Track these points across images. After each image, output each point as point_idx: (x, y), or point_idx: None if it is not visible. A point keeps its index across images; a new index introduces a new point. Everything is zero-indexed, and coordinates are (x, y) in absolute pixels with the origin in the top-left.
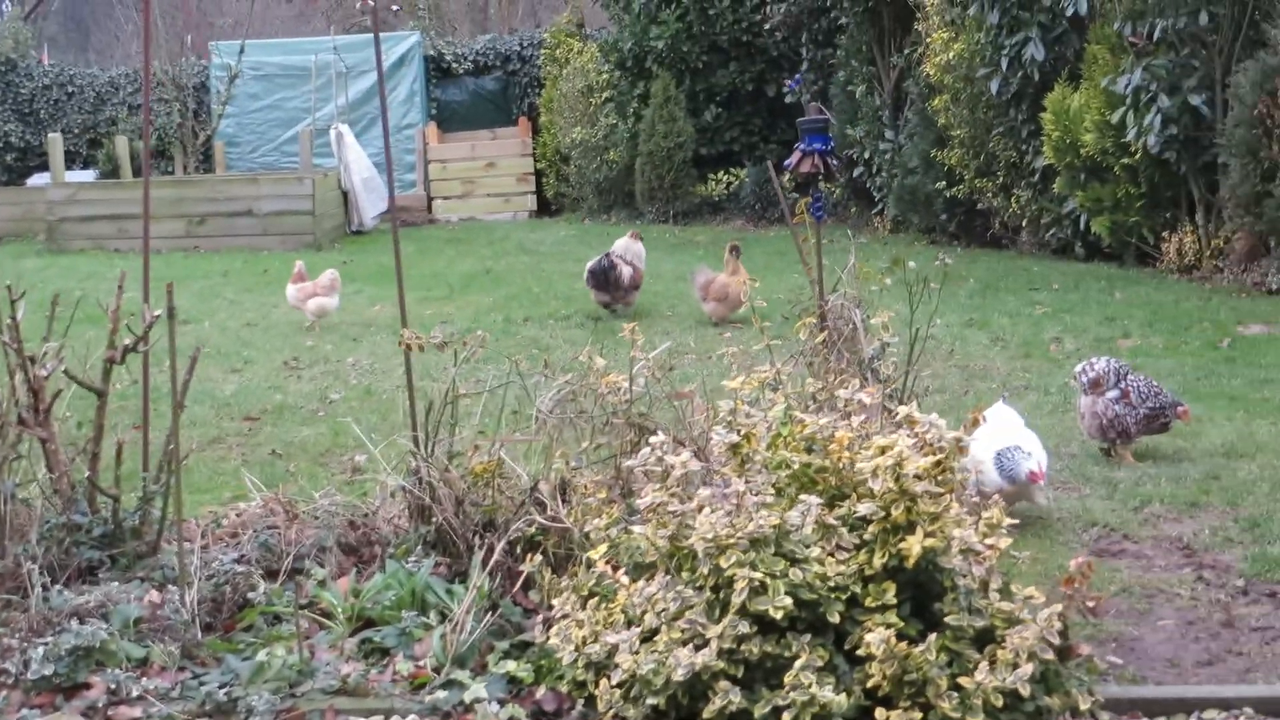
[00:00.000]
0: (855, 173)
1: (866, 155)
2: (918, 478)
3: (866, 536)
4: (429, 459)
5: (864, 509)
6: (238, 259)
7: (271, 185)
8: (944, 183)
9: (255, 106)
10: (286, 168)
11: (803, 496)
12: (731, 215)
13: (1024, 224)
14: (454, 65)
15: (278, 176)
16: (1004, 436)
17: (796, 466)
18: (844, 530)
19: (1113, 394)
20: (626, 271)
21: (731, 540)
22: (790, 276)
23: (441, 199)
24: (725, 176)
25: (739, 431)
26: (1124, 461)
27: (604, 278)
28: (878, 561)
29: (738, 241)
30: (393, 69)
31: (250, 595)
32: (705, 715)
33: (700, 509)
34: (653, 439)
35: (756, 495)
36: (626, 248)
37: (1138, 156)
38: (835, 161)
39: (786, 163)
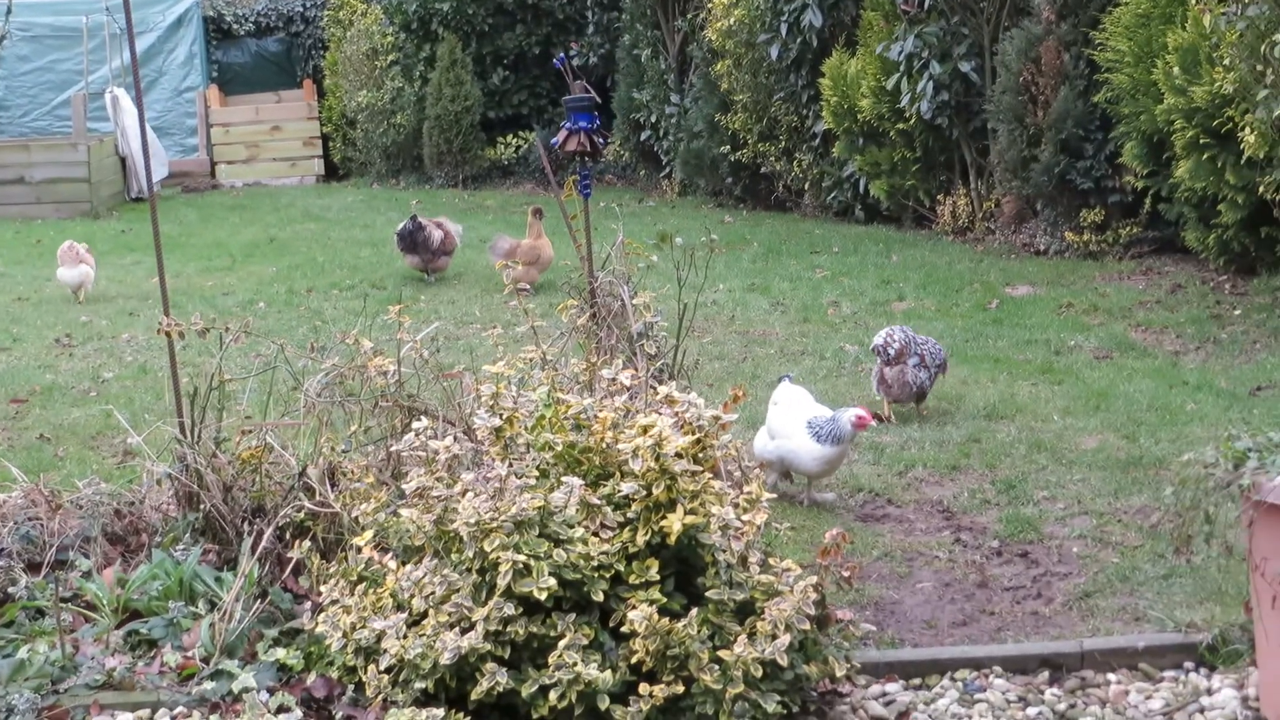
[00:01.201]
0: (643, 136)
1: (653, 119)
2: (678, 456)
3: (630, 515)
4: (196, 445)
5: (626, 488)
6: (8, 230)
7: (44, 151)
8: (729, 147)
9: (25, 69)
10: (60, 133)
11: (566, 478)
12: (521, 179)
13: (806, 187)
14: (235, 26)
15: (50, 142)
16: (806, 409)
17: (560, 448)
18: (608, 509)
19: (913, 360)
20: (436, 235)
21: (495, 524)
22: (570, 249)
23: (225, 163)
24: (514, 140)
25: (501, 415)
26: (890, 421)
27: (411, 240)
28: (641, 539)
29: (540, 206)
30: (170, 30)
31: (10, 590)
32: (473, 697)
33: (464, 493)
34: (416, 423)
35: (520, 478)
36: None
37: (912, 122)
38: (602, 140)
39: (554, 140)
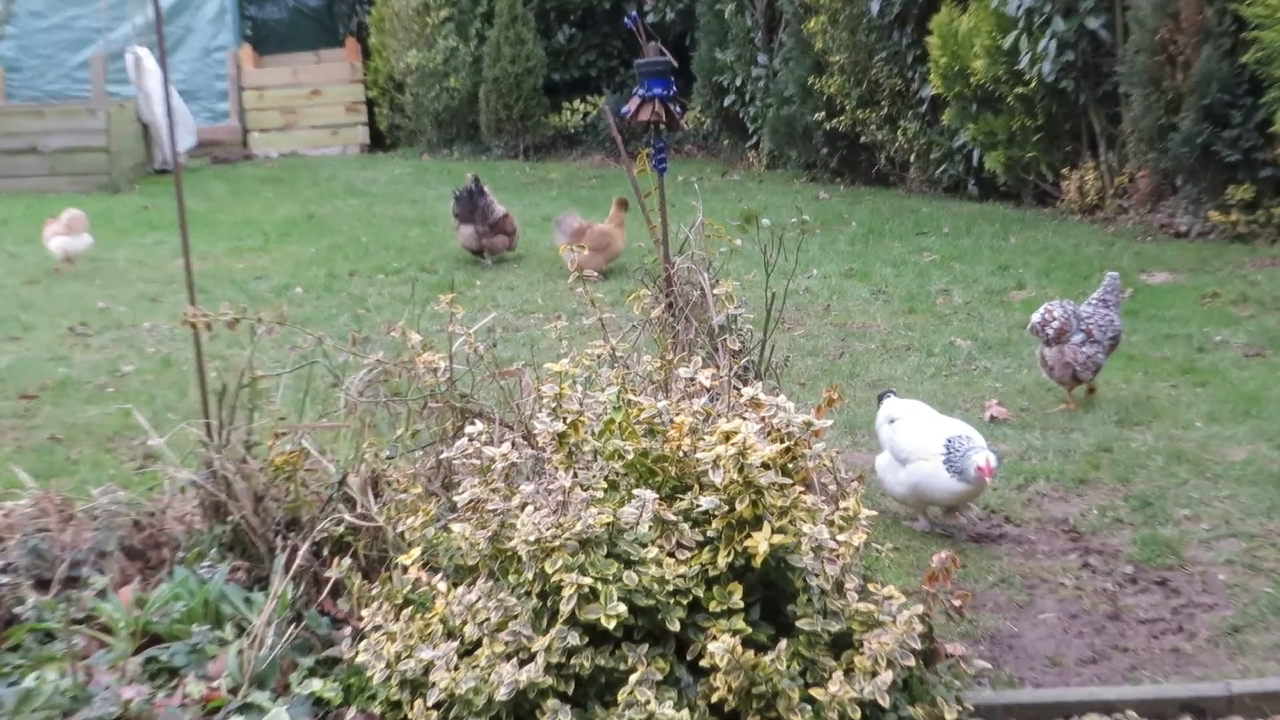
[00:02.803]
0: (726, 101)
1: (738, 82)
2: (765, 467)
3: (710, 533)
4: (224, 449)
5: (706, 502)
6: (19, 204)
7: (59, 118)
8: (823, 113)
9: (39, 26)
10: (77, 97)
11: (638, 491)
12: (589, 149)
13: (912, 159)
14: None
15: (66, 108)
16: (939, 427)
17: (631, 456)
18: (685, 527)
19: (1077, 338)
20: (499, 207)
21: (558, 542)
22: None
23: (259, 131)
24: (581, 106)
25: (565, 419)
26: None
27: (470, 204)
28: (722, 561)
29: (625, 198)
30: None
31: (17, 610)
32: None
33: (523, 507)
34: (470, 427)
35: (586, 490)
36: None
37: (1032, 85)
38: (679, 109)
39: (624, 109)
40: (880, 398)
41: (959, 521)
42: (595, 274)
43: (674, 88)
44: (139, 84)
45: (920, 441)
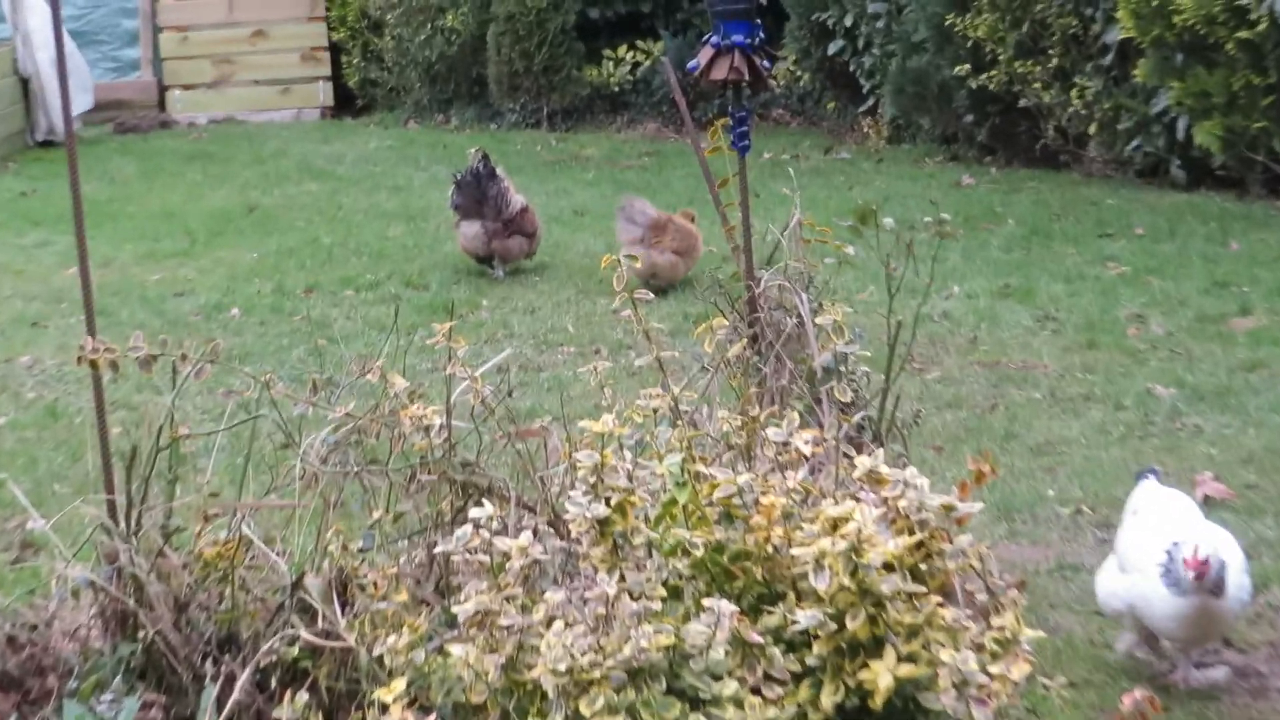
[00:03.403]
0: (831, 49)
1: (848, 22)
2: (887, 568)
3: (810, 661)
4: (134, 537)
5: (805, 618)
6: None
7: None
8: (967, 66)
9: None
10: None
11: (710, 600)
12: (639, 115)
13: (1092, 131)
14: None
15: None
16: (1172, 526)
17: (701, 552)
18: (776, 651)
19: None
20: (516, 197)
21: (597, 672)
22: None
23: (181, 89)
24: (629, 55)
25: (608, 499)
26: None
27: (477, 190)
28: (827, 700)
29: (693, 211)
30: None
31: None
32: None
33: (549, 622)
34: (475, 509)
35: (638, 599)
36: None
37: (1262, 28)
38: (768, 62)
39: (691, 64)
40: (1137, 478)
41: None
42: (650, 295)
43: (760, 33)
44: (15, 23)
45: (1139, 544)
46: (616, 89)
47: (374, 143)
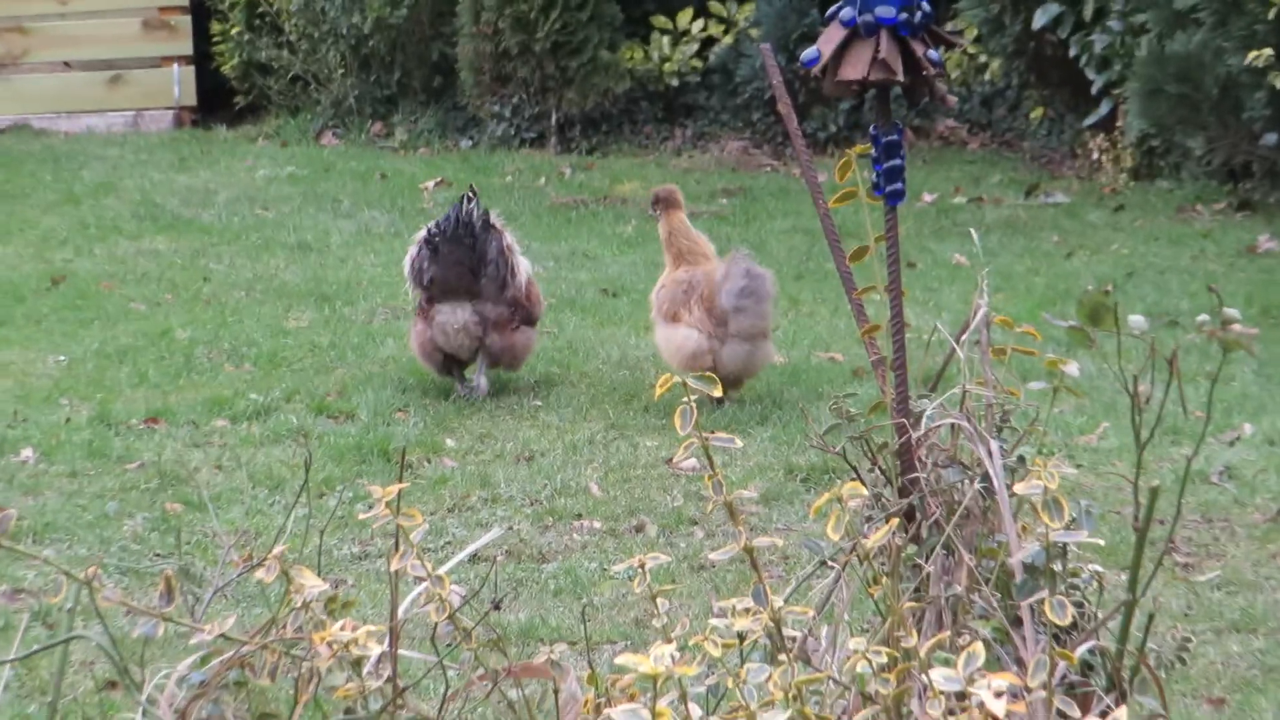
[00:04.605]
0: (1039, 19)
1: None
2: None
3: None
4: None
5: None
6: None
7: None
8: (1270, 52)
9: None
10: None
11: None
12: (713, 126)
13: None
14: None
15: None
16: None
17: None
18: None
19: None
20: (521, 260)
21: None
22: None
23: None
24: (699, 27)
25: None
26: None
27: (466, 250)
28: None
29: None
30: None
31: None
32: None
33: None
34: None
35: None
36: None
37: None
38: (936, 52)
39: (808, 55)
40: None
41: None
42: (721, 394)
43: (926, 5)
44: None
45: None
46: (675, 84)
47: (265, 169)
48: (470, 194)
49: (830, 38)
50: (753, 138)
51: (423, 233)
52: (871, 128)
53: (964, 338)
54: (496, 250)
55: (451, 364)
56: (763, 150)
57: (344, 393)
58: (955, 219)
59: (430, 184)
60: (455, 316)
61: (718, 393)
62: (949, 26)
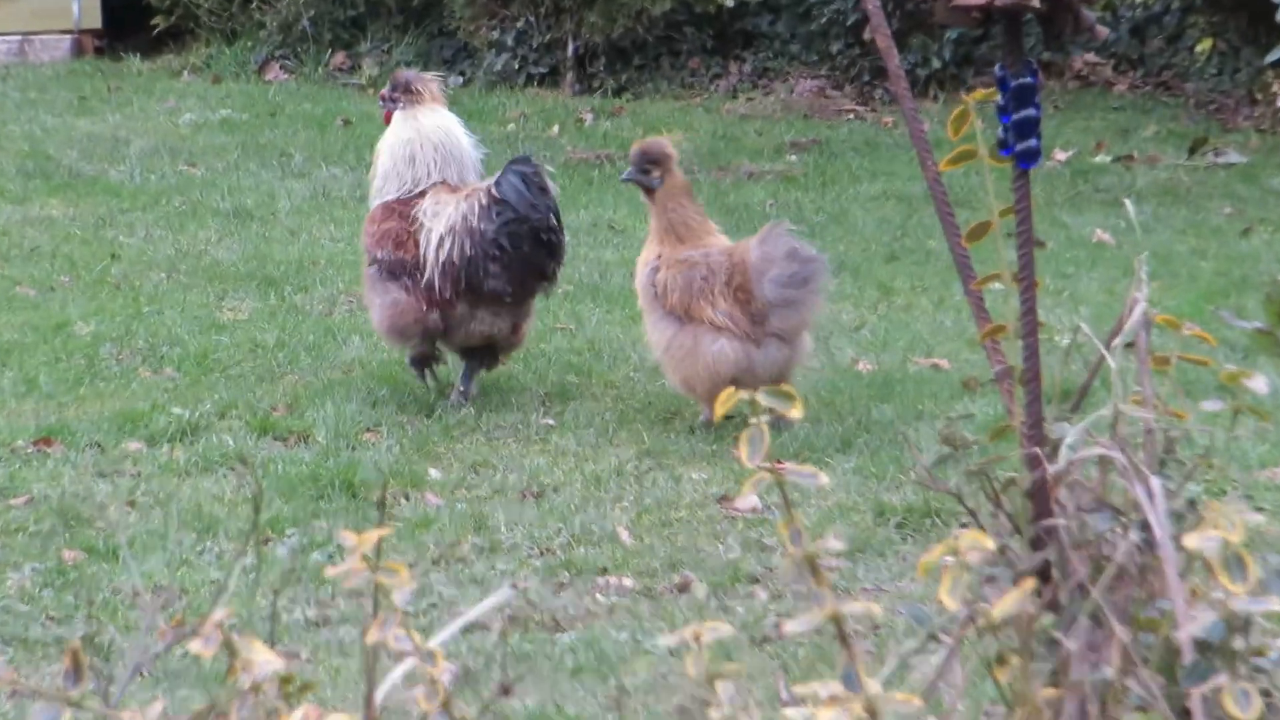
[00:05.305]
0: None
1: None
2: None
3: None
4: None
5: None
6: None
7: None
8: None
9: None
10: None
11: None
12: (780, 60)
13: None
14: None
15: None
16: None
17: None
18: None
19: None
20: None
21: None
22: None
23: None
24: None
25: None
26: None
27: (541, 248)
28: None
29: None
30: None
31: None
32: None
33: None
34: None
35: None
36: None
37: None
38: None
39: None
40: None
41: None
42: (816, 473)
43: None
44: None
45: None
46: (729, 2)
47: (191, 113)
48: (528, 164)
49: None
50: (831, 75)
51: (467, 209)
52: (996, 67)
53: (1115, 342)
54: (555, 233)
55: (433, 357)
56: (843, 92)
57: (295, 406)
58: (1097, 183)
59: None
60: (490, 325)
61: (797, 413)
62: None
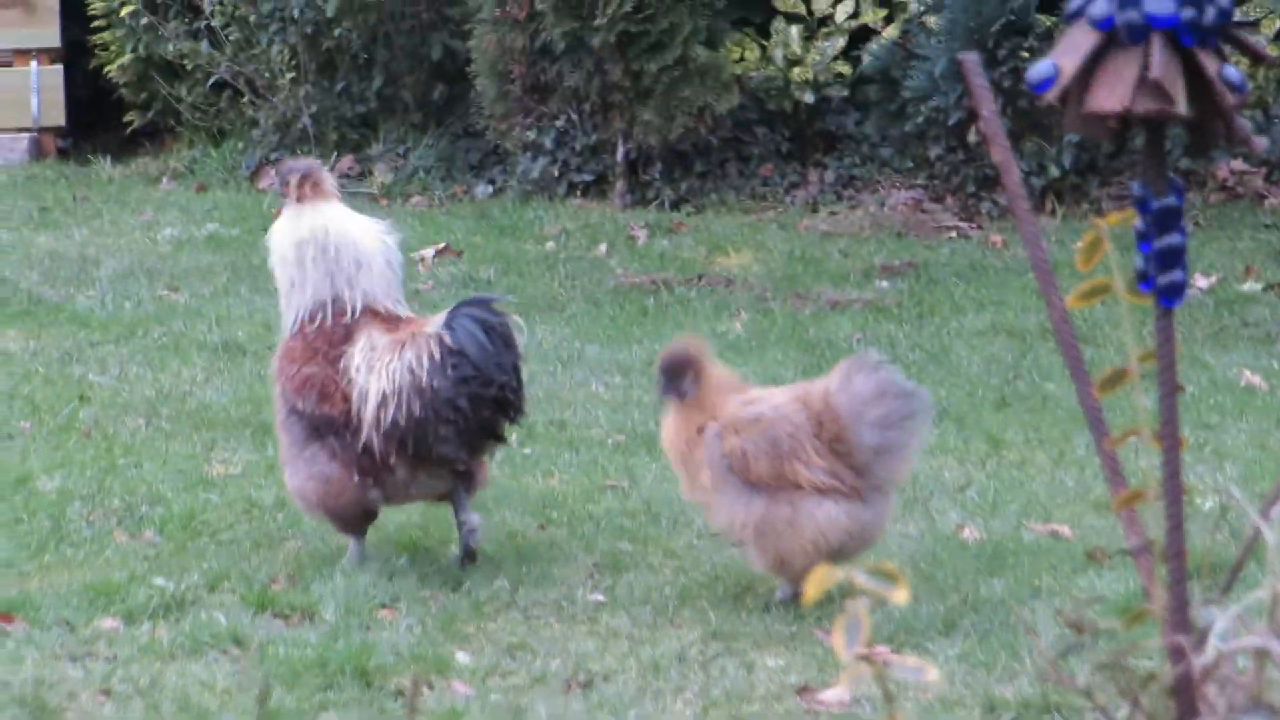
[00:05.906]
0: None
1: None
2: None
3: None
4: None
5: None
6: None
7: None
8: None
9: None
10: None
11: None
12: (873, 164)
13: None
14: None
15: None
16: None
17: None
18: None
19: None
20: None
21: None
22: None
23: None
24: (840, 10)
25: None
26: None
27: (495, 409)
28: None
29: None
30: None
31: None
32: None
33: None
34: None
35: None
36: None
37: None
38: (1234, 69)
39: (1037, 75)
40: None
41: None
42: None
43: None
44: None
45: None
46: (809, 99)
47: (172, 227)
48: (488, 310)
49: (1074, 46)
50: (929, 185)
51: (413, 360)
52: (1135, 185)
53: (1273, 511)
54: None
55: (371, 519)
56: (943, 205)
57: (298, 578)
58: (1245, 316)
59: (429, 252)
60: (430, 489)
61: (903, 596)
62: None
